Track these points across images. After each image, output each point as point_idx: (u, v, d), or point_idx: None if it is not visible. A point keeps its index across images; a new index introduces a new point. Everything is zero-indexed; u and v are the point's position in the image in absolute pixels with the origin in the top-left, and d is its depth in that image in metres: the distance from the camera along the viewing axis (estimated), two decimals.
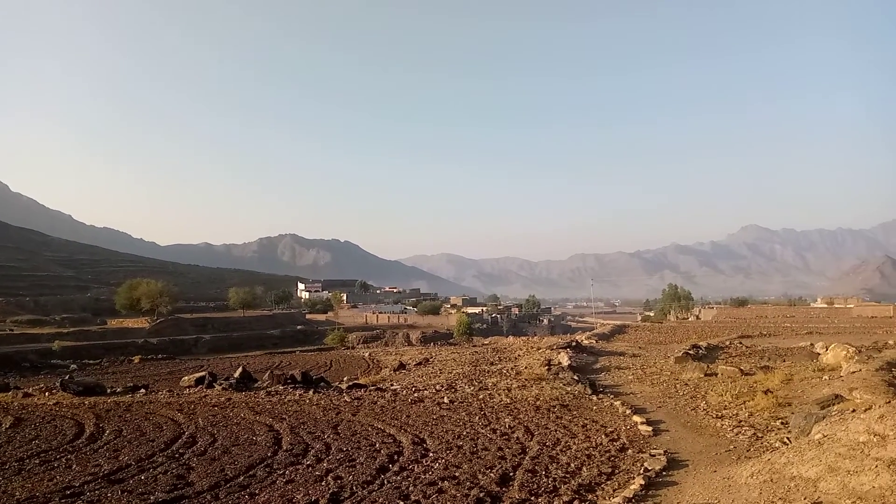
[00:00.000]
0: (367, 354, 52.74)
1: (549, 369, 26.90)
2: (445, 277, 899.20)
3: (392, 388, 23.68)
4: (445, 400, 19.75)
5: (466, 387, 23.02)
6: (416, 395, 21.26)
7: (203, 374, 26.94)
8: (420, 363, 37.25)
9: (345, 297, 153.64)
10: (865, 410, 10.93)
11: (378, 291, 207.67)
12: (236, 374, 25.76)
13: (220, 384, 24.53)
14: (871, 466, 7.96)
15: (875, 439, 8.86)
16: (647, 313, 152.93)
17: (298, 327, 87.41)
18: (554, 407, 18.11)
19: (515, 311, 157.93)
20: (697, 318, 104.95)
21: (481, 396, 20.43)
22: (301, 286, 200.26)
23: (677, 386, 22.16)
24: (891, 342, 37.98)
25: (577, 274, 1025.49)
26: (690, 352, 34.06)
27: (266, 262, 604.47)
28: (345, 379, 30.34)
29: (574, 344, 41.06)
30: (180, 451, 13.71)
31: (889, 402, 11.31)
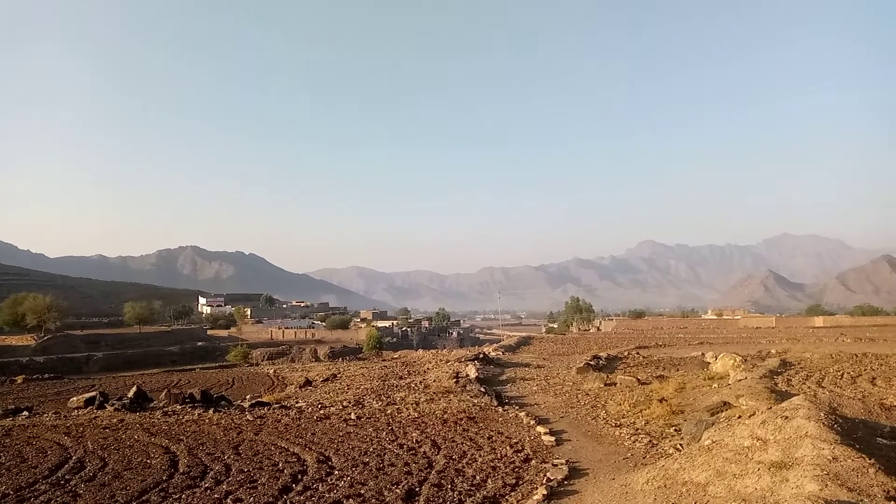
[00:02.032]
0: (271, 371, 51.22)
1: (457, 382, 27.06)
2: (356, 291, 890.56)
3: (297, 405, 23.09)
4: (352, 416, 19.46)
5: (374, 402, 22.78)
6: (322, 411, 20.82)
7: (94, 394, 25.33)
8: (327, 379, 36.55)
9: (249, 312, 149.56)
10: (750, 416, 11.65)
11: (284, 306, 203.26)
12: (130, 394, 24.38)
13: (113, 405, 23.14)
14: (754, 469, 8.46)
15: (758, 444, 9.44)
16: (552, 325, 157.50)
17: (199, 343, 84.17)
18: (461, 420, 18.21)
19: (426, 324, 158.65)
20: (598, 329, 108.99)
21: (389, 411, 20.27)
22: (202, 300, 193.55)
23: (579, 396, 22.87)
24: (773, 351, 40.77)
25: (485, 287, 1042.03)
26: (591, 362, 35.22)
27: (165, 275, 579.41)
28: (247, 397, 29.39)
29: (482, 356, 41.56)
30: (66, 477, 12.76)
31: (770, 407, 12.10)
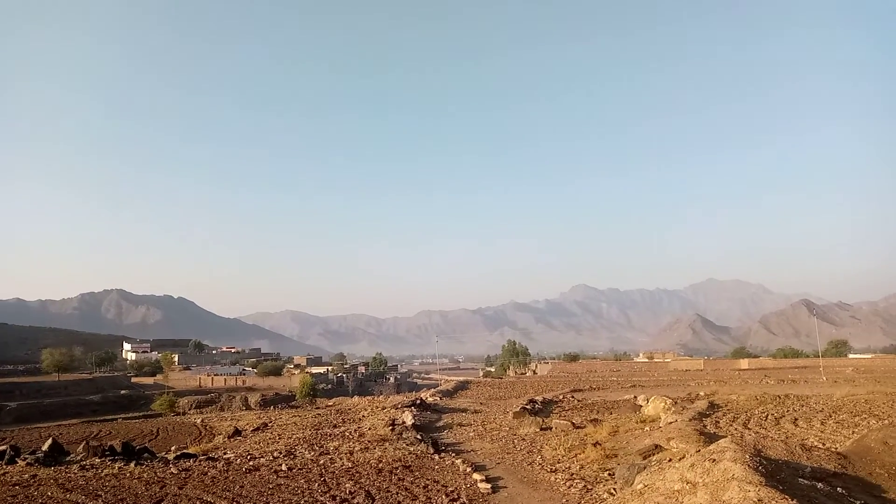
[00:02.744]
0: (199, 421, 49.40)
1: (392, 429, 26.62)
2: (289, 336, 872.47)
3: (225, 456, 22.17)
4: (283, 467, 18.80)
5: (306, 452, 22.13)
6: (251, 463, 20.03)
7: (4, 447, 23.63)
8: (258, 429, 35.45)
9: (176, 359, 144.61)
10: (680, 459, 11.89)
11: (214, 352, 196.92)
12: (45, 447, 22.92)
13: (25, 459, 21.62)
14: None
15: (687, 487, 9.61)
16: (489, 369, 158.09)
17: (122, 392, 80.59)
18: (396, 468, 17.86)
19: (362, 369, 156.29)
20: (534, 372, 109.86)
21: (322, 461, 19.69)
22: (127, 346, 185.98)
23: (515, 441, 22.86)
24: (702, 393, 42.01)
25: (423, 330, 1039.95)
26: (527, 406, 35.38)
27: (88, 320, 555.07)
28: (172, 448, 28.13)
29: (419, 402, 41.15)
30: None
31: (699, 450, 12.38)
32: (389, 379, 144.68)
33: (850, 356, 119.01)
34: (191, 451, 25.13)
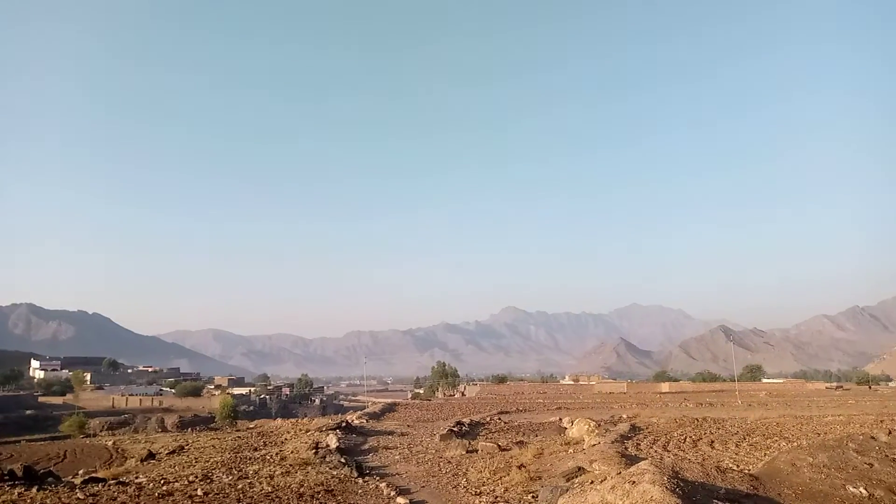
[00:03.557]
0: (110, 443, 47.08)
1: (316, 453, 26.02)
2: (211, 355, 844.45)
3: (137, 481, 21.05)
4: (199, 492, 17.97)
5: (224, 476, 21.28)
6: (164, 488, 19.06)
7: None
8: (173, 451, 33.98)
9: (89, 377, 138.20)
10: (601, 482, 12.02)
11: (130, 371, 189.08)
12: None
13: None
14: None
15: None
16: (417, 390, 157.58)
17: (27, 412, 76.38)
18: (318, 493, 17.40)
19: (286, 391, 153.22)
20: (463, 394, 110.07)
21: (240, 486, 18.96)
22: (35, 364, 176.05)
23: (441, 464, 22.72)
24: (624, 416, 43.04)
25: (352, 351, 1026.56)
26: (455, 429, 35.33)
27: None
28: (80, 472, 26.71)
29: (344, 425, 40.48)
30: None
31: (619, 473, 12.56)
32: (315, 401, 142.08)
33: (764, 381, 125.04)
34: (100, 475, 23.87)
